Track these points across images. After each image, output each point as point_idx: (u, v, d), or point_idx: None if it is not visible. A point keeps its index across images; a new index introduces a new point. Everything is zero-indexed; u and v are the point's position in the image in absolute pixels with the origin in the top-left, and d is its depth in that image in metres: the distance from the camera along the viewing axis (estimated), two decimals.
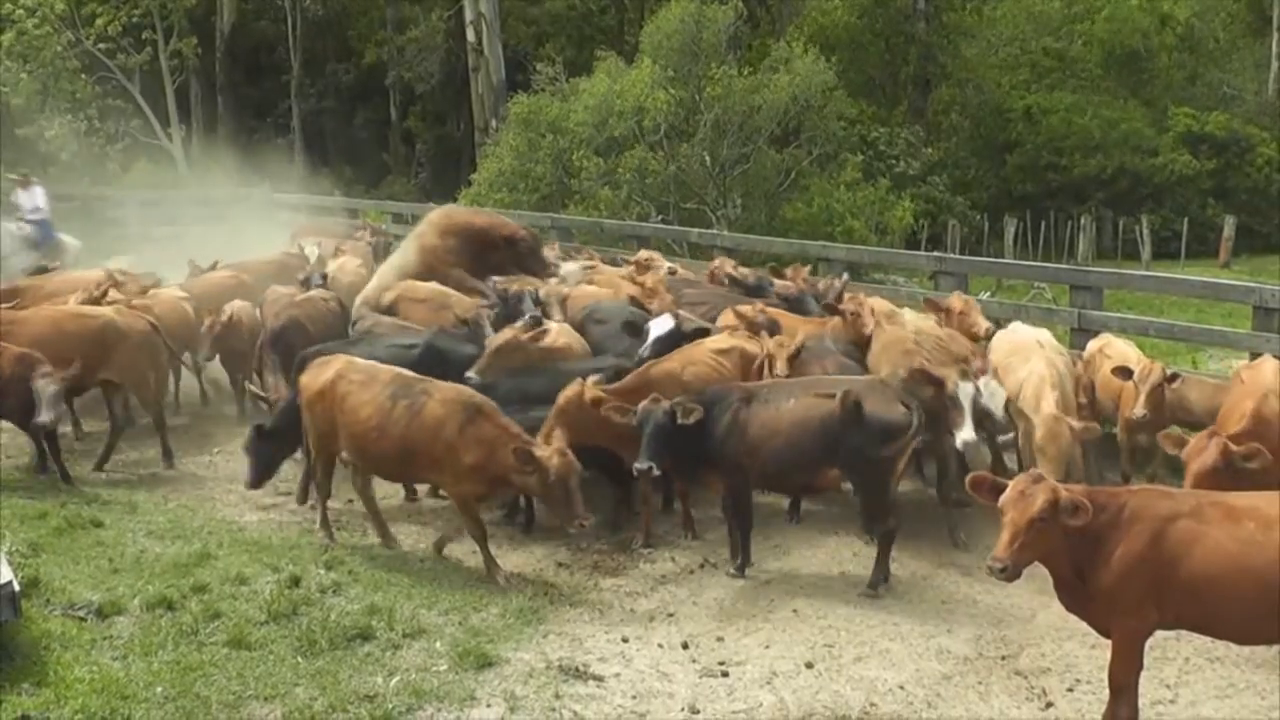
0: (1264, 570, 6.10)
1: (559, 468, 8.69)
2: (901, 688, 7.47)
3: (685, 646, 8.04)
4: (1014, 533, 6.26)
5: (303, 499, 10.85)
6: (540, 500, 9.56)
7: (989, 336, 11.66)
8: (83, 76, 39.46)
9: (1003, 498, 6.38)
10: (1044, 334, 11.00)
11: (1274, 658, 7.78)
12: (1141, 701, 7.04)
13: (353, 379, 9.63)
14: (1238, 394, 9.06)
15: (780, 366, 10.30)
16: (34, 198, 22.02)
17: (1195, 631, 6.81)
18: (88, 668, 7.39)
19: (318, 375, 9.84)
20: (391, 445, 9.34)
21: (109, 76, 41.57)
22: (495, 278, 14.00)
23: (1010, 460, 10.58)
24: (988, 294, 19.52)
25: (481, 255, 14.49)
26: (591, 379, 9.86)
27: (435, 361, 10.79)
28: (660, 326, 11.27)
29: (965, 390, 9.36)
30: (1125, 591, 6.29)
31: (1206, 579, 6.19)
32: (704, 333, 11.34)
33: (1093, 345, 11.63)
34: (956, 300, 12.37)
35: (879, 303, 12.01)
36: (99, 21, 40.89)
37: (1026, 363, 10.16)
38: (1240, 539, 6.19)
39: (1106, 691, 6.67)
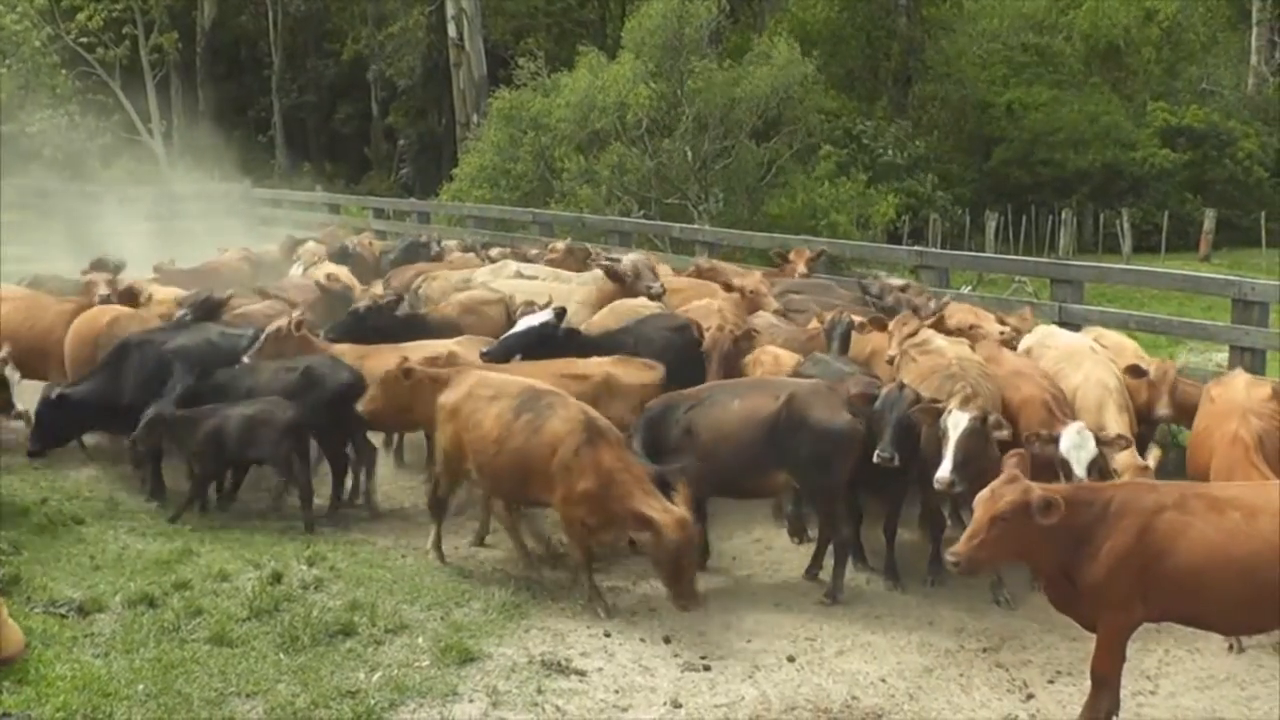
0: (1248, 559, 6.13)
1: (673, 540, 7.94)
2: (883, 680, 7.49)
3: (667, 641, 8.06)
4: (975, 529, 6.34)
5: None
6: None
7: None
8: (63, 71, 39.29)
9: (976, 496, 6.43)
10: (1086, 339, 10.31)
11: (1253, 647, 7.83)
12: (1122, 693, 7.08)
13: (481, 394, 9.07)
14: (1211, 414, 8.78)
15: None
16: None
17: (1182, 624, 6.86)
18: (69, 665, 7.36)
19: (452, 392, 9.28)
20: (508, 461, 8.76)
21: (89, 71, 41.47)
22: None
23: None
24: (968, 288, 19.56)
25: None
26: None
27: (208, 350, 11.08)
28: (528, 320, 10.95)
29: (955, 422, 8.37)
30: (1112, 586, 6.32)
31: (1192, 570, 6.22)
32: (575, 334, 11.07)
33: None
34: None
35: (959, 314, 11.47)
36: (80, 16, 40.78)
37: (1079, 369, 9.57)
38: (1225, 529, 6.23)
39: (1088, 683, 6.71)
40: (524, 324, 10.91)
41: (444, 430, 9.26)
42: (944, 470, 8.24)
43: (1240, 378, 9.21)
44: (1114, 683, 6.57)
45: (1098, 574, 6.31)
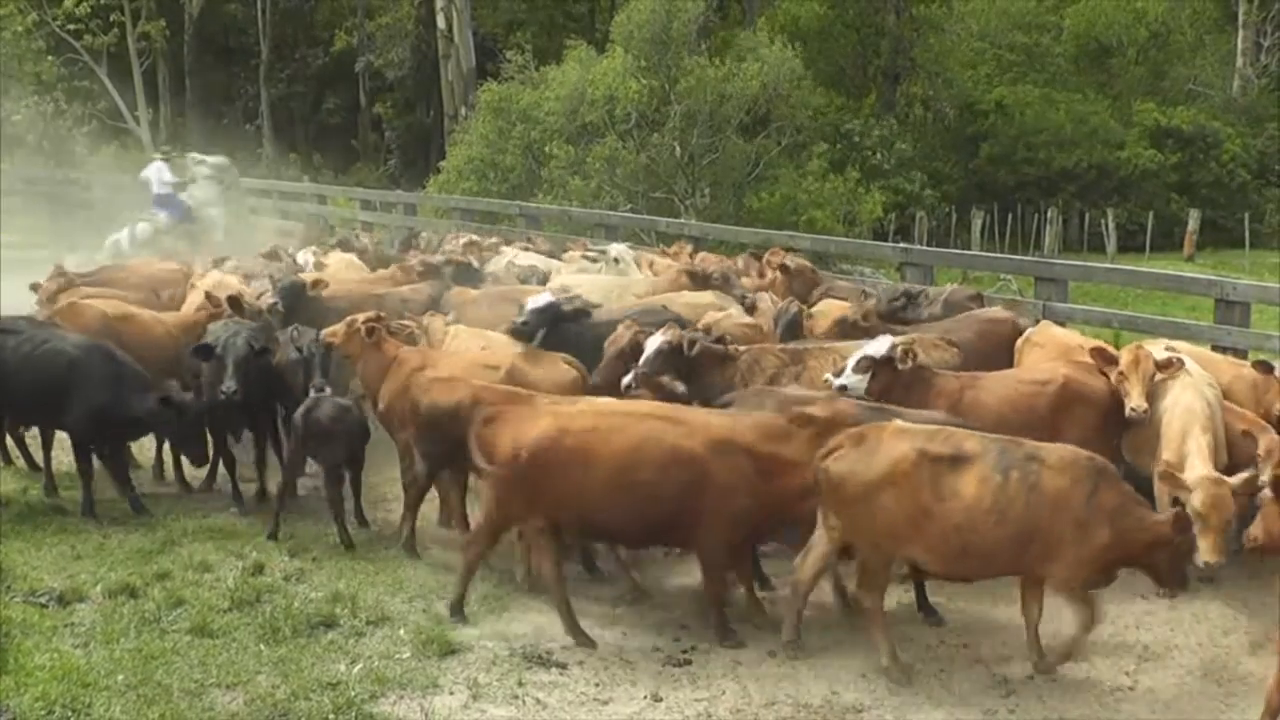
0: None
1: (1185, 538, 7.18)
2: (863, 676, 7.49)
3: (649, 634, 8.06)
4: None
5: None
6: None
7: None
8: (49, 58, 39.11)
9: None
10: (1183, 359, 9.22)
11: (1232, 646, 7.88)
12: (1101, 689, 7.15)
13: (939, 451, 7.20)
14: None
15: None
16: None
17: None
18: (48, 655, 7.35)
19: (875, 456, 7.27)
20: (1008, 533, 7.05)
21: (76, 58, 41.29)
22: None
23: None
24: (953, 285, 19.58)
25: None
26: None
27: None
28: (537, 300, 10.65)
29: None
30: None
31: None
32: (585, 314, 10.81)
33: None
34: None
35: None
36: (66, 2, 40.54)
37: (1169, 394, 8.84)
38: None
39: (1067, 678, 6.73)
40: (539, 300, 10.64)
41: (871, 503, 7.25)
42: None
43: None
44: None
45: None
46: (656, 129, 28.22)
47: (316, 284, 12.41)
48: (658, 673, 7.52)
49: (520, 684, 7.28)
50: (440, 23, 36.84)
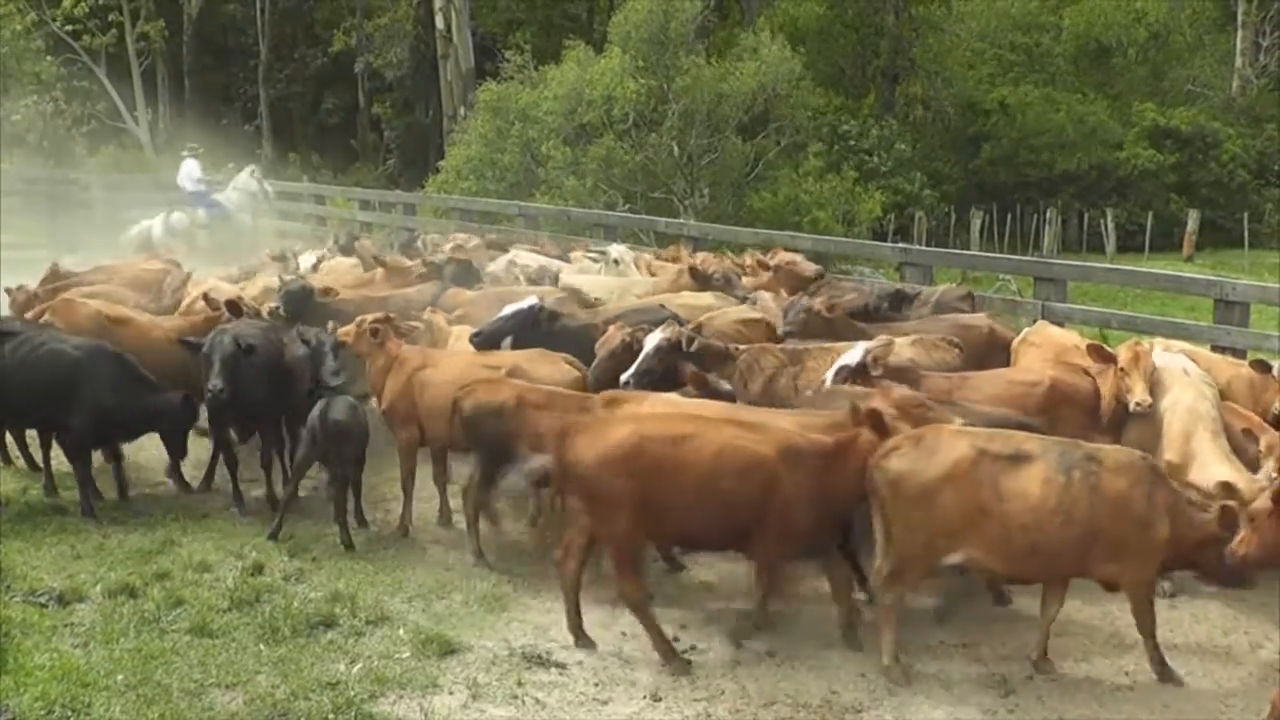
0: None
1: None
2: (863, 676, 7.49)
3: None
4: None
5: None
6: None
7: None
8: (48, 58, 39.12)
9: None
10: (1180, 359, 9.30)
11: (1232, 646, 7.88)
12: (1100, 690, 7.14)
13: (1000, 450, 7.19)
14: None
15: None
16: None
17: None
18: (48, 655, 7.35)
19: (935, 455, 7.23)
20: (1074, 534, 7.02)
21: (75, 58, 41.30)
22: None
23: None
24: (953, 285, 19.57)
25: None
26: None
27: None
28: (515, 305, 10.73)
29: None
30: None
31: None
32: (557, 319, 10.76)
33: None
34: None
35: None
36: (65, 3, 40.55)
37: (1168, 393, 8.77)
38: None
39: (1067, 677, 6.72)
40: (511, 308, 10.73)
41: (928, 503, 7.20)
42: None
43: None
44: None
45: None
46: (654, 129, 28.22)
47: (327, 291, 12.43)
48: (657, 672, 7.52)
49: (520, 684, 7.28)
50: (439, 23, 36.87)
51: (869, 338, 9.68)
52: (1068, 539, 7.00)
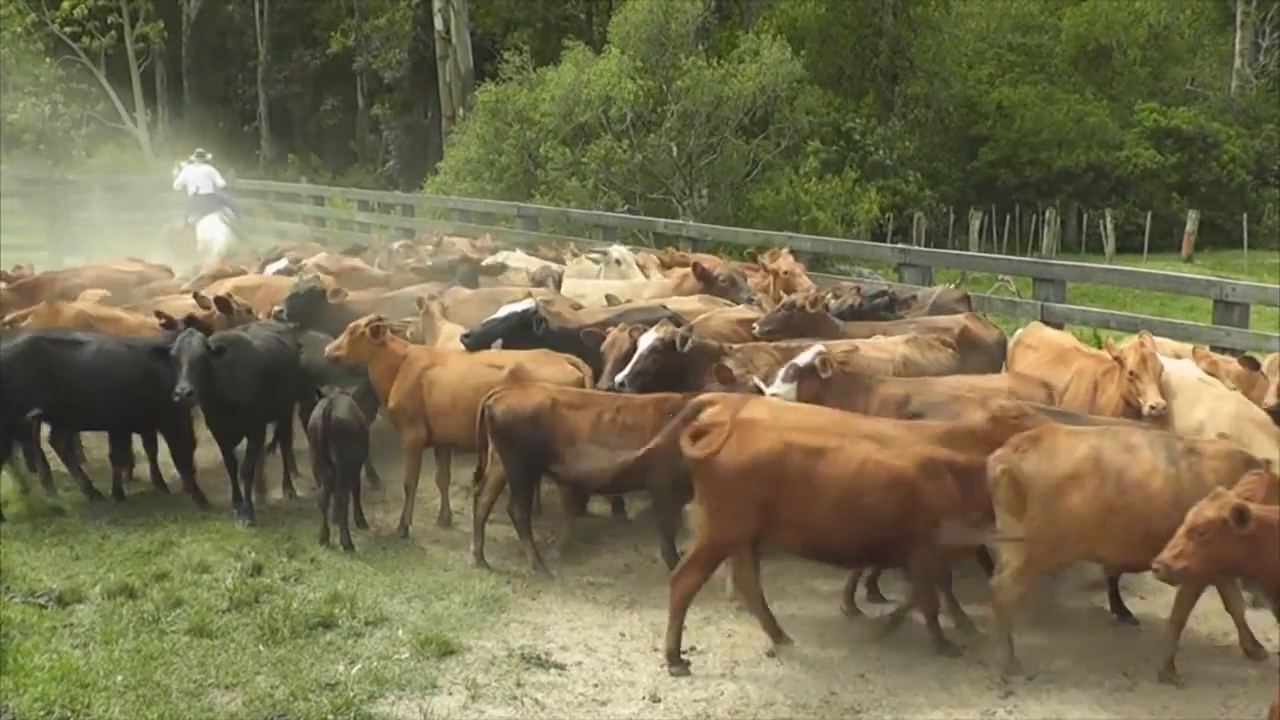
0: None
1: None
2: (862, 677, 7.49)
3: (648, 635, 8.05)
4: (1174, 541, 6.39)
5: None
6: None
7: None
8: (47, 59, 39.13)
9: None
10: (1188, 365, 9.34)
11: (1232, 646, 7.87)
12: (1100, 690, 7.14)
13: (1116, 447, 7.26)
14: None
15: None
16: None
17: None
18: (47, 655, 7.36)
19: (1059, 456, 7.24)
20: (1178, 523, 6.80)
21: (74, 60, 41.27)
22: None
23: None
24: (951, 286, 19.59)
25: None
26: None
27: None
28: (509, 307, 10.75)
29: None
30: None
31: None
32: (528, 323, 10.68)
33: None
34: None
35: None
36: (64, 4, 40.55)
37: (1196, 404, 8.69)
38: None
39: (1066, 679, 6.71)
40: (505, 310, 10.76)
41: (1057, 502, 7.18)
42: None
43: None
44: None
45: None
46: (653, 129, 28.21)
47: (337, 293, 12.41)
48: (656, 673, 7.52)
49: (519, 685, 7.28)
50: (438, 24, 36.87)
51: (847, 337, 9.82)
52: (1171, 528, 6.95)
